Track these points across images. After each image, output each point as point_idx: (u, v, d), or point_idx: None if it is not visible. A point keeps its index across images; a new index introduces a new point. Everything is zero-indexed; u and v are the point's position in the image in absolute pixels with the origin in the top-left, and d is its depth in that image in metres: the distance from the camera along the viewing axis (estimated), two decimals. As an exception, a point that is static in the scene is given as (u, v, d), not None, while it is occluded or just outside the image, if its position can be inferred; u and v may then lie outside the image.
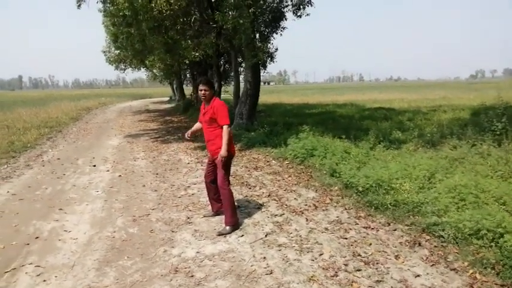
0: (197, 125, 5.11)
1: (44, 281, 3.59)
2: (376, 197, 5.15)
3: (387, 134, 10.48)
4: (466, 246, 3.83)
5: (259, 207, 5.52)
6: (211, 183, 5.05)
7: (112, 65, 26.10)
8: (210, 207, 5.32)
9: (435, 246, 3.96)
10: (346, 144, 8.24)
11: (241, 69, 18.08)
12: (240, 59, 16.93)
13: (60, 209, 5.64)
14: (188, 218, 5.18)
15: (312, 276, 3.46)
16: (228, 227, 4.67)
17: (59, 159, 9.64)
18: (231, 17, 9.61)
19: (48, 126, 16.60)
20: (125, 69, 27.87)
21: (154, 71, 32.85)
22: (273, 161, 8.46)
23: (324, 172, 6.85)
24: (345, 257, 3.85)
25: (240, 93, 14.72)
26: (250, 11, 9.57)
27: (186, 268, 3.74)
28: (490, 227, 3.73)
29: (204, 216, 5.24)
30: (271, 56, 17.13)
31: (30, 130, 14.54)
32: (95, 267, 3.83)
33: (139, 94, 61.05)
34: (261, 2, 11.29)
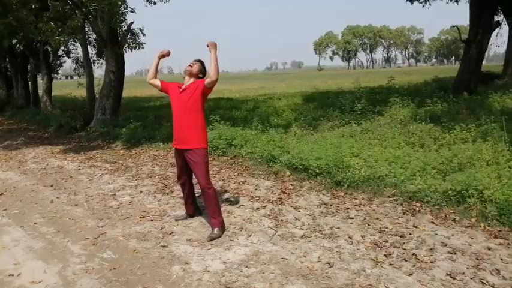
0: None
1: None
2: (344, 176, 5.33)
3: (268, 121, 10.95)
4: (456, 206, 4.36)
5: (230, 203, 5.04)
6: (186, 184, 4.41)
7: None
8: (179, 212, 4.65)
9: (431, 211, 4.38)
10: (252, 132, 8.23)
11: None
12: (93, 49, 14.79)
13: (-35, 249, 3.97)
14: (162, 228, 4.36)
15: (375, 258, 3.39)
16: (216, 230, 4.12)
17: None
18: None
19: None
20: None
21: None
22: (184, 156, 7.79)
23: (259, 160, 6.69)
24: (375, 235, 3.90)
25: (94, 87, 13.00)
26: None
27: (235, 282, 3.15)
28: (476, 186, 4.33)
29: (177, 220, 4.54)
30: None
31: None
32: (118, 310, 2.86)
33: None
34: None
